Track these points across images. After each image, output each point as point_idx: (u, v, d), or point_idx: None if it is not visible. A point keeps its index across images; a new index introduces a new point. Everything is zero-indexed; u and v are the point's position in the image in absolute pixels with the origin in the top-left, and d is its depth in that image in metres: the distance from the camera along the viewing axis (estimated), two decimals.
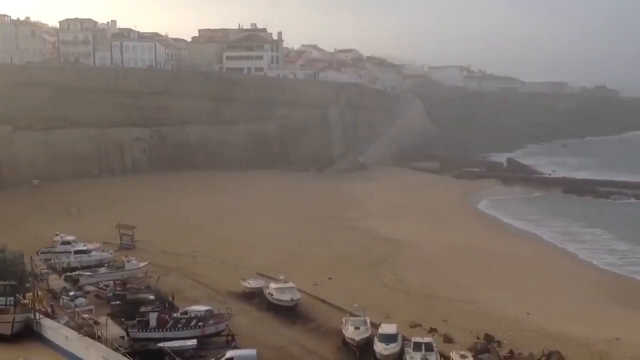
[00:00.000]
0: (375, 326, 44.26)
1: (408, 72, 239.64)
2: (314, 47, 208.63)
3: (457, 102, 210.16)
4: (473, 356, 39.42)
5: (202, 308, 45.20)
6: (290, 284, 52.07)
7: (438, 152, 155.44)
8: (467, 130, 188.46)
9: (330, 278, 60.77)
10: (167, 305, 46.78)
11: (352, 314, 46.28)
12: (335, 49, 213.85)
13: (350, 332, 43.29)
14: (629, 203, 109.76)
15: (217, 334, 44.11)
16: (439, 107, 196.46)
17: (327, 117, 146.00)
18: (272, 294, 51.36)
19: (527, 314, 52.50)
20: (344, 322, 45.00)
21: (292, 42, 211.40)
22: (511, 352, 43.41)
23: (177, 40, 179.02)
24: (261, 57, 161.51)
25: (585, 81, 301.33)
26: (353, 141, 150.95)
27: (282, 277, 53.99)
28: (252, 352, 39.40)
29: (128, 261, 59.04)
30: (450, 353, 39.57)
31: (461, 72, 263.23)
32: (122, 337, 40.75)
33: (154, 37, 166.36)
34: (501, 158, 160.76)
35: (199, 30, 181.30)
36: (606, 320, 51.90)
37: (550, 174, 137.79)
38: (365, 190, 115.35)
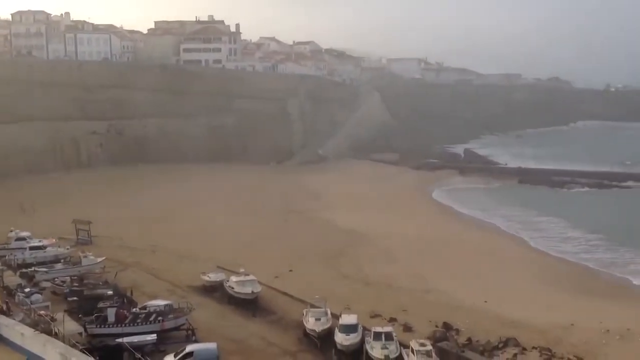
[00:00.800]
0: (336, 317, 44.50)
1: (366, 64, 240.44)
2: (272, 39, 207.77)
3: (415, 94, 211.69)
4: (432, 344, 39.91)
5: (161, 302, 44.81)
6: (251, 277, 51.97)
7: (397, 144, 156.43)
8: (425, 122, 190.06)
9: (291, 270, 60.87)
10: (125, 300, 46.31)
11: (313, 306, 46.43)
12: (293, 41, 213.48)
13: (311, 323, 43.46)
14: (582, 192, 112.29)
15: (177, 328, 43.80)
16: (397, 99, 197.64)
17: (287, 110, 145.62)
18: (232, 287, 51.20)
19: (485, 302, 53.45)
20: (304, 314, 45.15)
21: (250, 34, 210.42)
22: (469, 339, 44.17)
23: (132, 32, 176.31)
24: (219, 50, 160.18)
25: (540, 72, 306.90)
26: (312, 133, 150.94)
27: (242, 270, 53.85)
28: (212, 345, 39.27)
29: (85, 257, 58.08)
30: (410, 342, 39.99)
31: (419, 64, 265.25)
32: (80, 334, 40.19)
33: (109, 29, 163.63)
34: (458, 149, 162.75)
35: (155, 22, 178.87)
36: (561, 307, 53.16)
37: (505, 164, 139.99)
38: (325, 182, 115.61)
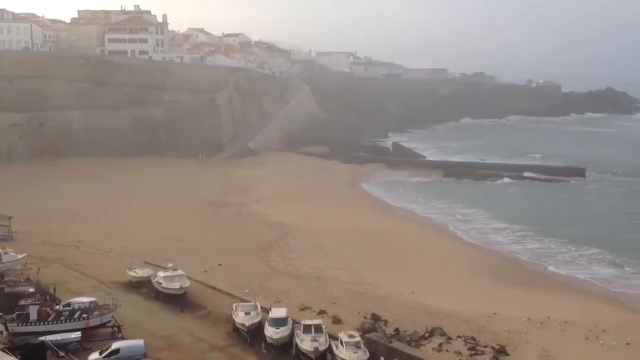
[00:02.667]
0: (265, 311, 44.52)
1: (296, 57, 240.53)
2: (201, 30, 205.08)
3: (345, 88, 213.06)
4: (361, 335, 40.45)
5: (86, 299, 43.90)
6: (179, 272, 51.35)
7: (327, 137, 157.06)
8: (354, 115, 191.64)
9: (220, 264, 60.45)
10: (48, 297, 45.03)
11: (242, 300, 46.27)
12: (222, 33, 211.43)
13: (241, 317, 43.33)
14: (504, 184, 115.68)
15: (103, 325, 43.02)
16: (327, 92, 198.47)
17: (216, 102, 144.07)
18: (160, 283, 50.48)
19: (412, 292, 54.48)
20: (234, 308, 44.97)
21: (177, 25, 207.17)
22: (397, 330, 44.95)
23: (55, 21, 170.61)
24: (146, 40, 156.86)
25: (465, 67, 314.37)
26: (242, 126, 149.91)
27: (170, 265, 53.23)
28: (139, 342, 38.77)
29: (5, 253, 56.05)
30: (339, 334, 40.39)
31: (348, 58, 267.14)
32: (1, 332, 38.91)
33: (29, 18, 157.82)
34: (387, 142, 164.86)
35: (79, 11, 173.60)
36: (485, 297, 54.73)
37: (432, 158, 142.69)
38: (255, 175, 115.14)
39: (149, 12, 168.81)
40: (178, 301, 49.18)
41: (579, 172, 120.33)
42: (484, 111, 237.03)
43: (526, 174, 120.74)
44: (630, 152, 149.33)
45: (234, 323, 44.04)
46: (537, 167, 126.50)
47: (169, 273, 51.10)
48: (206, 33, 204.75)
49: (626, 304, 55.49)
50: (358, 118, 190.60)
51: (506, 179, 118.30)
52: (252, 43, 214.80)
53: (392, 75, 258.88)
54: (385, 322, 46.70)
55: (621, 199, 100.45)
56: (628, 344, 45.12)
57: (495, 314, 49.97)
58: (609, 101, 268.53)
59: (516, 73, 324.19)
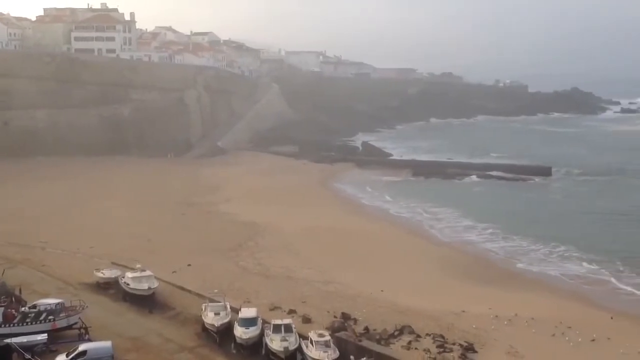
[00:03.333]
0: (235, 311, 44.37)
1: (266, 56, 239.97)
2: (169, 29, 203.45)
3: (314, 87, 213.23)
4: (330, 335, 40.53)
5: (52, 301, 43.33)
6: (148, 273, 50.92)
7: (296, 137, 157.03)
8: (324, 115, 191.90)
9: (189, 265, 60.09)
10: (13, 299, 44.28)
11: (211, 300, 46.03)
12: (191, 32, 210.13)
13: (210, 318, 43.11)
14: (472, 182, 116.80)
15: (70, 327, 42.50)
16: (296, 91, 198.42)
17: (184, 101, 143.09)
18: (128, 284, 49.99)
19: (382, 291, 54.76)
20: (203, 309, 44.73)
21: (145, 23, 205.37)
22: (366, 328, 45.14)
23: (20, 19, 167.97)
24: (113, 39, 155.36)
25: (433, 67, 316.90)
26: (211, 125, 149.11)
27: (138, 265, 52.76)
28: (107, 344, 38.38)
29: None
30: (309, 333, 40.44)
31: (317, 58, 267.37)
32: None
33: None
34: (356, 142, 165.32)
35: (45, 9, 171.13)
36: (454, 294, 55.22)
37: (401, 157, 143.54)
38: (224, 175, 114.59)
39: (116, 10, 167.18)
40: (146, 302, 48.75)
41: (545, 171, 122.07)
42: (452, 111, 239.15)
43: (493, 172, 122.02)
44: (594, 151, 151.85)
45: (203, 323, 43.80)
46: (504, 166, 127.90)
47: (136, 274, 50.62)
48: (174, 31, 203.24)
49: (592, 300, 56.40)
50: (327, 117, 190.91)
51: (474, 178, 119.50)
52: (221, 42, 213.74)
53: (362, 75, 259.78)
54: (355, 320, 46.86)
55: (586, 197, 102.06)
56: (593, 340, 45.90)
57: (463, 311, 50.46)
58: (574, 101, 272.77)
59: (484, 73, 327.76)
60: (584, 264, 67.33)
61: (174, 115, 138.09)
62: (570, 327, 47.76)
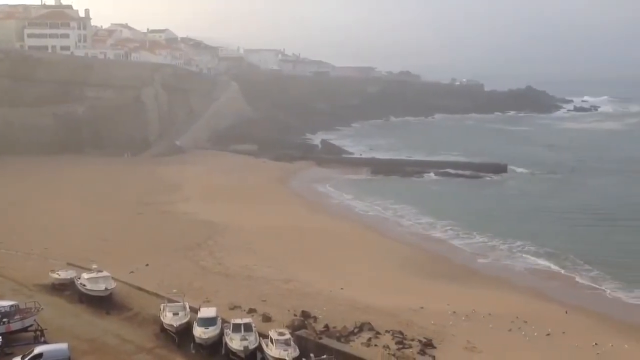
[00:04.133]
0: (194, 311, 43.99)
1: (224, 54, 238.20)
2: (125, 26, 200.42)
3: (274, 85, 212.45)
4: (290, 333, 40.50)
5: (6, 303, 42.36)
6: (104, 273, 50.14)
7: (256, 135, 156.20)
8: (283, 113, 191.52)
9: (147, 265, 59.47)
10: None
11: (170, 300, 45.57)
12: (147, 29, 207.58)
13: (169, 318, 42.69)
14: (431, 180, 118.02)
15: (25, 329, 41.62)
16: (255, 89, 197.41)
17: (141, 99, 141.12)
18: (84, 285, 49.15)
19: (341, 289, 54.98)
20: (162, 309, 44.23)
21: (100, 20, 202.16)
22: (326, 326, 45.28)
23: None
24: (67, 36, 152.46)
25: (391, 66, 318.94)
26: (169, 124, 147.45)
27: (95, 266, 51.91)
28: (63, 346, 37.74)
29: None
30: (269, 332, 40.35)
31: (276, 56, 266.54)
32: None
33: None
34: (316, 140, 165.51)
35: None
36: (413, 291, 55.79)
37: (360, 155, 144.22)
38: (183, 174, 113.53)
39: (70, 6, 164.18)
40: (103, 303, 48.02)
41: (501, 169, 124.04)
42: (411, 109, 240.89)
43: (451, 170, 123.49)
44: (548, 149, 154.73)
45: (161, 324, 43.34)
46: (462, 163, 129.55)
47: (93, 274, 49.79)
48: (130, 29, 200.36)
49: (547, 295, 57.56)
50: (287, 115, 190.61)
51: (432, 176, 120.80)
52: (179, 39, 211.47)
53: (321, 73, 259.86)
54: (315, 318, 46.96)
55: (541, 194, 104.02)
56: (548, 334, 46.87)
57: (422, 308, 51.00)
58: (529, 100, 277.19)
59: (440, 72, 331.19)
60: (540, 259, 68.78)
61: (130, 113, 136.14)
62: (526, 322, 48.71)
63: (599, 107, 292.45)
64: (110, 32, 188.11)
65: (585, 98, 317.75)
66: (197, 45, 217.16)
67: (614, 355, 43.96)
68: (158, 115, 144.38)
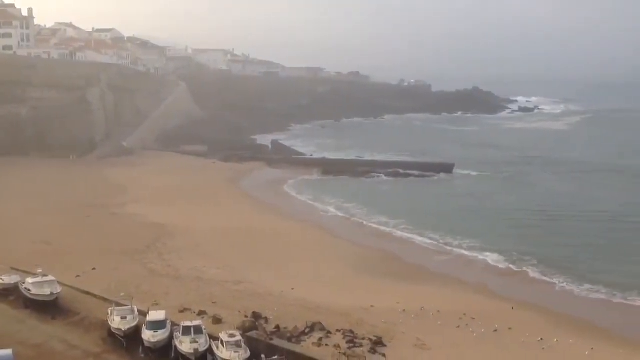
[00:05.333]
0: (143, 314, 43.41)
1: (172, 54, 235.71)
2: (70, 25, 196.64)
3: (223, 86, 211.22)
4: (241, 334, 40.32)
5: None
6: (50, 278, 49.04)
7: (205, 136, 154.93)
8: (233, 113, 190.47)
9: (94, 268, 58.42)
10: None
11: (118, 304, 44.87)
12: (93, 28, 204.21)
13: (117, 322, 42.04)
14: (381, 180, 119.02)
15: None
16: (204, 90, 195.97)
17: (87, 100, 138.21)
18: (29, 289, 47.98)
19: (292, 289, 54.98)
20: (109, 313, 43.52)
21: (44, 19, 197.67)
22: (277, 327, 45.24)
23: None
24: (10, 35, 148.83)
25: (341, 67, 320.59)
26: (116, 125, 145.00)
27: (40, 270, 50.61)
28: (7, 352, 36.68)
29: None
30: (220, 334, 40.10)
31: (225, 56, 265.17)
32: None
33: None
34: (266, 140, 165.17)
35: None
36: (364, 290, 56.17)
37: (311, 155, 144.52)
38: (130, 175, 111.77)
39: (12, 5, 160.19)
40: (49, 308, 46.97)
41: (448, 168, 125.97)
42: (360, 109, 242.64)
43: (400, 170, 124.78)
44: (494, 148, 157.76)
45: (109, 328, 42.64)
46: (410, 163, 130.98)
47: (38, 279, 48.63)
48: (75, 28, 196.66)
49: (495, 292, 58.63)
50: (237, 116, 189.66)
51: (382, 176, 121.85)
52: (125, 39, 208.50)
53: (271, 74, 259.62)
54: (266, 319, 46.86)
55: (487, 193, 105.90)
56: (495, 330, 47.80)
57: (372, 306, 51.39)
58: (475, 100, 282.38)
59: (389, 73, 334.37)
60: (488, 256, 69.97)
61: (76, 114, 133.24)
62: (474, 319, 49.57)
63: (543, 107, 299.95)
64: (54, 31, 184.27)
65: (529, 99, 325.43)
66: (144, 44, 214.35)
67: (558, 350, 45.09)
68: (104, 116, 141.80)
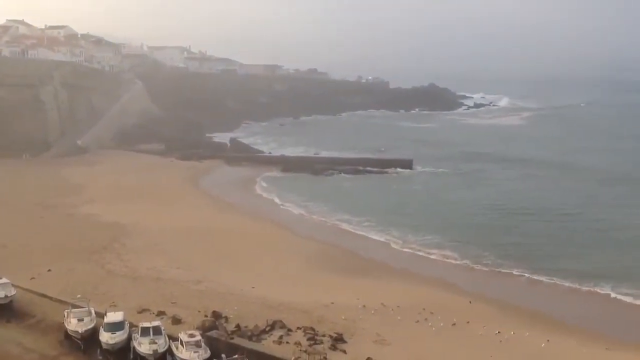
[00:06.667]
0: (100, 316, 42.76)
1: (127, 51, 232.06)
2: (21, 22, 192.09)
3: (180, 83, 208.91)
4: (201, 334, 40.04)
5: None
6: (3, 280, 47.88)
7: (162, 134, 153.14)
8: (191, 111, 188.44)
9: (49, 270, 57.33)
10: None
11: (74, 306, 44.07)
12: (46, 25, 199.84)
13: (74, 324, 41.30)
14: (341, 177, 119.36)
15: None
16: (161, 87, 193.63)
17: (40, 98, 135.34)
18: None
19: (253, 287, 54.87)
20: (66, 315, 42.74)
21: None
22: (238, 325, 45.10)
23: None
24: None
25: (298, 64, 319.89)
26: (70, 123, 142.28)
27: None
28: None
29: None
30: (179, 334, 39.76)
31: (182, 53, 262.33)
32: None
33: None
34: (225, 138, 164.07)
35: None
36: (324, 287, 56.37)
37: (270, 153, 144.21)
38: (86, 175, 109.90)
39: None
40: (3, 311, 45.84)
41: (407, 164, 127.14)
42: (319, 106, 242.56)
43: (360, 167, 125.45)
44: (451, 144, 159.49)
45: (66, 331, 41.87)
46: (370, 160, 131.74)
47: None
48: (27, 25, 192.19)
49: (453, 286, 59.45)
50: (195, 114, 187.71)
51: (342, 173, 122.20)
52: (79, 36, 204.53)
53: (228, 71, 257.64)
54: (226, 318, 46.67)
55: (445, 188, 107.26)
56: (454, 324, 48.50)
57: (332, 303, 51.60)
58: (432, 97, 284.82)
59: (346, 70, 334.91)
60: (446, 251, 71.01)
61: (28, 113, 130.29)
62: (432, 313, 50.19)
63: (498, 103, 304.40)
64: (5, 28, 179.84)
65: (485, 95, 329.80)
66: (99, 41, 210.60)
67: (515, 343, 45.96)
68: (58, 114, 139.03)
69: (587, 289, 59.41)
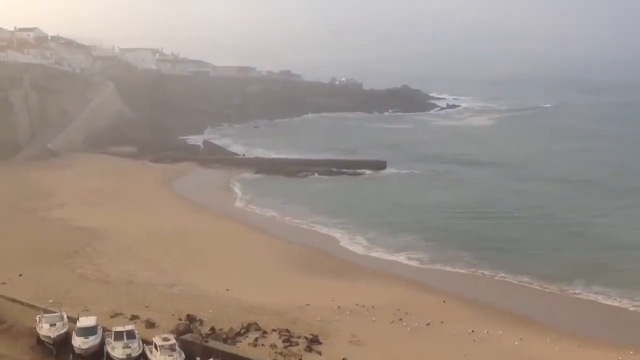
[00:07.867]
0: (73, 320, 42.30)
1: (98, 53, 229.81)
2: None
3: (152, 85, 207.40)
4: (175, 338, 39.83)
5: None
6: None
7: (135, 136, 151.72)
8: (163, 114, 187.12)
9: (20, 275, 56.62)
10: None
11: (46, 311, 43.47)
12: (15, 27, 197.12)
13: (46, 329, 40.81)
14: (315, 179, 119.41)
15: None
16: (133, 90, 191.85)
17: (9, 101, 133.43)
18: None
19: (227, 290, 54.71)
20: (38, 320, 42.20)
21: None
22: (212, 328, 44.94)
23: None
24: None
25: (272, 66, 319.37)
26: (40, 127, 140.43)
27: None
28: None
29: None
30: (153, 338, 39.49)
31: (154, 55, 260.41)
32: None
33: None
34: (198, 140, 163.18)
35: None
36: (299, 289, 56.43)
37: (244, 155, 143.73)
38: (57, 178, 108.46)
39: None
40: None
41: (381, 165, 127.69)
42: (293, 108, 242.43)
43: (334, 168, 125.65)
44: (424, 145, 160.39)
45: (38, 336, 41.33)
46: (344, 161, 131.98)
47: None
48: None
49: (427, 286, 59.88)
50: (167, 116, 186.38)
51: (315, 174, 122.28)
52: (49, 38, 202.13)
53: (201, 73, 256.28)
54: (201, 321, 46.47)
55: (419, 189, 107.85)
56: (428, 324, 48.85)
57: (308, 305, 51.64)
58: (405, 98, 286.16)
59: (320, 71, 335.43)
60: (420, 251, 71.42)
61: None
62: (407, 313, 50.49)
63: (470, 105, 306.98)
64: None
65: (458, 97, 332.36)
66: (69, 44, 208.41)
67: (489, 341, 46.45)
68: (28, 117, 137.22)
69: (559, 288, 60.21)
